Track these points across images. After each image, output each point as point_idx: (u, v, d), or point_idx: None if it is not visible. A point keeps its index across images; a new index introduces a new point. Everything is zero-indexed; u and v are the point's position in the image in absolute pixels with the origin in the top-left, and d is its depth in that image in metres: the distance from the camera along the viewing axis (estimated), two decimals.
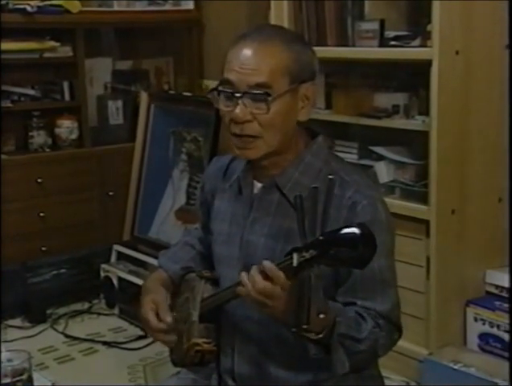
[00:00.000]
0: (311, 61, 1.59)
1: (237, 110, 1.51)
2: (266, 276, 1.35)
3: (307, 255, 1.28)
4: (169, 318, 1.63)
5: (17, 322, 3.56)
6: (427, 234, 2.79)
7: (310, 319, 1.33)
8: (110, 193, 3.90)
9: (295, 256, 1.30)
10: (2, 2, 3.54)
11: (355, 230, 1.24)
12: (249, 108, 1.51)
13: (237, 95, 1.51)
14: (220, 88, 1.55)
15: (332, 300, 1.51)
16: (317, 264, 1.30)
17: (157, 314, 1.65)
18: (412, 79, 2.93)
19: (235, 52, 1.53)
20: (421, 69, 2.72)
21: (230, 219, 1.68)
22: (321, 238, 1.28)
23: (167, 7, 4.12)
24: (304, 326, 1.34)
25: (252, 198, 1.64)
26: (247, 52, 1.51)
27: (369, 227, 1.27)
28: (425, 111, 2.81)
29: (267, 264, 1.35)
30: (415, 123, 2.89)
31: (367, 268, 1.31)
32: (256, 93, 1.50)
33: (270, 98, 1.49)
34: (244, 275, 1.38)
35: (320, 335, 1.41)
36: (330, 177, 1.37)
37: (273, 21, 3.23)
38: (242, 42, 1.54)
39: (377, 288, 1.54)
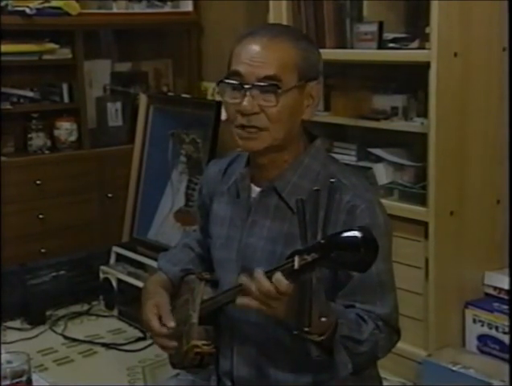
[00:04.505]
0: (317, 60, 1.59)
1: (246, 102, 1.50)
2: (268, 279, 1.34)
3: (308, 258, 1.28)
4: (172, 323, 1.62)
5: (16, 323, 3.56)
6: (426, 236, 2.79)
7: (312, 322, 1.32)
8: (109, 195, 3.90)
9: (296, 258, 1.29)
10: (2, 4, 3.54)
11: (356, 233, 1.24)
12: (256, 100, 1.50)
13: (247, 86, 1.50)
14: (228, 80, 1.54)
15: None
16: (319, 267, 1.30)
17: (159, 318, 1.65)
18: (411, 81, 2.93)
19: (244, 46, 1.53)
20: (419, 71, 2.72)
21: (229, 222, 1.68)
22: (323, 241, 1.27)
23: (166, 9, 4.13)
24: (306, 329, 1.33)
25: (250, 202, 1.63)
26: (257, 46, 1.51)
27: None
28: (423, 113, 2.82)
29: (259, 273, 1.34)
30: (414, 125, 2.89)
31: (366, 272, 1.31)
32: (266, 85, 1.50)
33: (279, 90, 1.49)
34: (246, 279, 1.37)
35: (323, 337, 1.41)
36: (332, 180, 1.36)
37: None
38: (251, 37, 1.53)
39: (376, 292, 1.54)
